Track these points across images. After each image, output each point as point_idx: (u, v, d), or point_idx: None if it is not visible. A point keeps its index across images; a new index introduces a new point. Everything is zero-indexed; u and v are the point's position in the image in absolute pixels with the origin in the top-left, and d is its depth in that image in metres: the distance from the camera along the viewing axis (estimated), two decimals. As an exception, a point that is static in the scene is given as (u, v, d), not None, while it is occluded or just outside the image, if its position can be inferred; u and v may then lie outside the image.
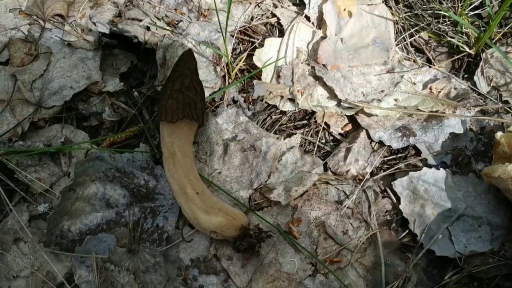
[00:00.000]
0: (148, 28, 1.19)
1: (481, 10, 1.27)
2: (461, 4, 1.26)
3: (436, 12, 1.28)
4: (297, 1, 1.30)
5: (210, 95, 1.17)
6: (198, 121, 1.01)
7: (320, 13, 1.24)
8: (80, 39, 1.21)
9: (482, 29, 1.23)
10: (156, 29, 1.20)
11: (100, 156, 1.06)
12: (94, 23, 1.16)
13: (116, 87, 1.17)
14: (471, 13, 1.27)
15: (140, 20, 1.21)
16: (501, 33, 1.25)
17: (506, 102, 1.18)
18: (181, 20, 1.26)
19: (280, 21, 1.26)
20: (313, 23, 1.26)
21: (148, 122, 1.15)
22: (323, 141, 1.16)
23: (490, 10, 1.14)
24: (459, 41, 1.22)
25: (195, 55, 1.05)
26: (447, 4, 1.28)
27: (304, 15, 1.25)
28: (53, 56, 1.20)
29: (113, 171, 1.06)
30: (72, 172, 1.09)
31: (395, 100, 1.16)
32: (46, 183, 1.09)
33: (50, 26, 1.24)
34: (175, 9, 1.28)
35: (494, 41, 1.24)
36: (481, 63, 1.20)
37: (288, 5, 1.29)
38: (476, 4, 1.28)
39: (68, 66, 1.18)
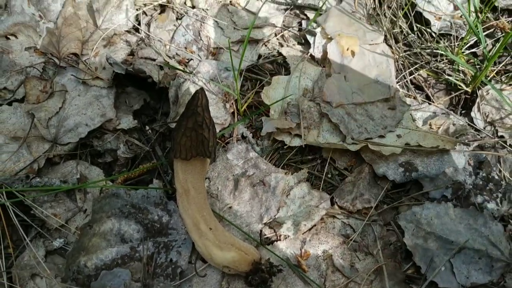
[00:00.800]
0: (161, 68, 1.24)
1: (477, 49, 1.34)
2: (458, 43, 1.33)
3: (434, 50, 1.34)
4: (302, 41, 1.36)
5: (220, 131, 1.22)
6: (210, 158, 1.05)
7: (325, 53, 1.30)
8: (94, 77, 1.26)
9: (478, 66, 1.30)
10: (169, 68, 1.25)
11: (116, 193, 1.09)
12: (110, 64, 1.21)
13: (130, 125, 1.21)
14: (467, 51, 1.34)
15: (153, 60, 1.26)
16: (495, 71, 1.32)
17: (502, 137, 1.23)
18: (191, 59, 1.31)
19: (286, 60, 1.32)
20: (317, 61, 1.32)
21: (161, 158, 1.19)
22: (329, 175, 1.21)
23: (485, 52, 1.20)
24: (456, 79, 1.28)
25: (205, 92, 1.11)
26: (444, 43, 1.35)
27: (309, 54, 1.31)
28: (68, 94, 1.24)
29: (128, 207, 1.09)
30: (89, 209, 1.12)
31: (397, 136, 1.22)
32: (62, 218, 1.12)
33: (64, 64, 1.29)
34: (185, 48, 1.34)
35: (489, 78, 1.31)
36: (478, 100, 1.27)
37: (294, 44, 1.35)
38: (472, 42, 1.35)
39: (83, 103, 1.22)
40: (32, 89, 1.25)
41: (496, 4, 1.40)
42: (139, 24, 1.37)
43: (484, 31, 1.37)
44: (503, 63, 1.33)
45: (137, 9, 1.38)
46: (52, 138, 1.19)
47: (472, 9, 1.27)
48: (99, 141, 1.21)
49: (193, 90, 1.23)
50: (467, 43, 1.33)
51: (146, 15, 1.39)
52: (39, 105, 1.23)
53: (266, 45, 1.36)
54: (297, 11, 1.42)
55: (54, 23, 1.34)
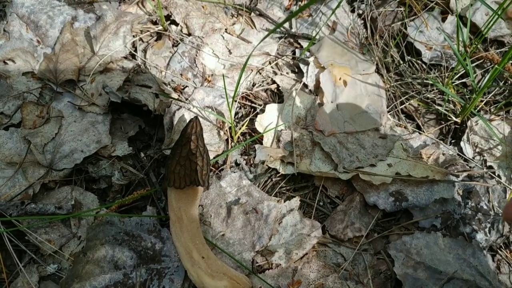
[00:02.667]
0: (157, 96, 1.26)
1: (467, 79, 1.37)
2: (448, 73, 1.36)
3: (424, 81, 1.37)
4: (296, 70, 1.39)
5: (214, 157, 1.23)
6: (204, 186, 1.07)
7: (317, 82, 1.32)
8: (91, 103, 1.27)
9: (468, 97, 1.33)
10: (165, 93, 1.27)
11: (110, 220, 1.11)
12: (107, 93, 1.22)
13: (125, 152, 1.23)
14: (458, 81, 1.37)
15: (149, 87, 1.28)
16: (484, 102, 1.35)
17: (490, 167, 1.26)
18: (186, 86, 1.33)
19: (280, 88, 1.34)
20: (310, 90, 1.34)
21: (155, 185, 1.21)
22: (321, 203, 1.23)
23: (474, 84, 1.23)
24: (446, 110, 1.31)
25: (200, 119, 1.13)
26: (435, 73, 1.38)
27: (302, 82, 1.34)
28: (64, 119, 1.26)
29: (122, 234, 1.10)
30: (83, 235, 1.13)
31: (388, 165, 1.24)
32: (56, 244, 1.13)
33: (61, 90, 1.30)
34: (181, 74, 1.36)
35: (478, 109, 1.33)
36: (467, 130, 1.29)
37: (287, 73, 1.38)
38: (462, 73, 1.38)
39: (79, 130, 1.24)
40: (29, 114, 1.26)
41: (486, 35, 1.44)
42: (135, 50, 1.39)
43: (474, 62, 1.40)
44: (492, 93, 1.36)
45: (134, 36, 1.40)
46: (48, 163, 1.20)
47: (462, 39, 1.31)
48: (94, 167, 1.22)
49: (187, 117, 1.25)
50: (458, 73, 1.36)
51: (143, 41, 1.42)
52: (35, 130, 1.24)
53: (260, 73, 1.38)
54: (291, 40, 1.45)
55: (51, 49, 1.36)
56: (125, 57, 1.37)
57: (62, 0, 1.44)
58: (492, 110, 1.33)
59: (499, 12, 1.22)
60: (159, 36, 1.43)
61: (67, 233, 1.15)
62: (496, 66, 1.11)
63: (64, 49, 1.35)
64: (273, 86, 1.36)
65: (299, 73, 1.37)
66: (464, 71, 1.37)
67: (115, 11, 1.43)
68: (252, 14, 1.48)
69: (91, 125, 1.25)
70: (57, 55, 1.34)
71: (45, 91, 1.31)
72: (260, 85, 1.37)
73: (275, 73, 1.38)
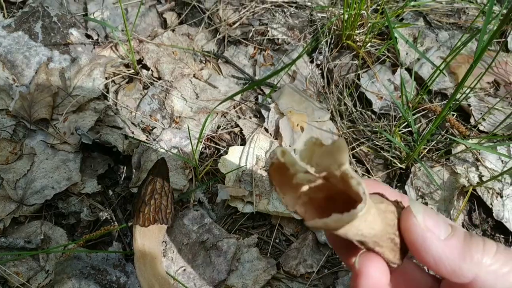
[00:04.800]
0: (126, 137, 1.35)
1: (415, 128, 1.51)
2: (395, 122, 1.50)
3: (374, 129, 1.50)
4: (258, 114, 1.50)
5: (178, 196, 1.32)
6: (168, 224, 1.16)
7: (277, 127, 1.44)
8: (63, 141, 1.35)
9: (413, 144, 1.46)
10: (133, 137, 1.36)
11: (77, 256, 1.17)
12: (79, 135, 1.30)
13: (94, 189, 1.30)
14: (405, 129, 1.51)
15: (119, 128, 1.37)
16: (427, 149, 1.49)
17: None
18: (155, 127, 1.42)
19: (243, 131, 1.45)
20: (270, 134, 1.45)
21: (122, 222, 1.28)
22: (277, 240, 1.33)
23: (416, 135, 1.37)
24: (393, 156, 1.44)
25: (167, 158, 1.22)
26: (383, 122, 1.52)
27: (263, 127, 1.45)
28: (36, 157, 1.32)
29: (88, 268, 1.17)
30: (51, 268, 1.19)
31: (339, 205, 1.35)
32: (24, 277, 1.18)
33: (35, 128, 1.37)
34: (150, 115, 1.45)
35: (421, 156, 1.47)
36: (411, 175, 1.42)
37: (250, 117, 1.49)
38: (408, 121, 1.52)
39: (51, 167, 1.31)
40: (2, 150, 1.32)
41: (430, 87, 1.59)
42: (108, 92, 1.48)
43: (420, 112, 1.55)
44: (435, 141, 1.50)
45: (106, 78, 1.49)
46: (19, 199, 1.26)
47: (405, 93, 1.45)
48: (64, 203, 1.29)
49: (155, 157, 1.34)
50: (404, 122, 1.50)
51: (115, 83, 1.51)
52: (8, 166, 1.30)
53: (225, 116, 1.49)
54: (255, 87, 1.57)
55: (27, 87, 1.43)
56: (98, 98, 1.45)
57: (38, 41, 1.52)
58: (434, 157, 1.47)
59: (441, 67, 1.36)
60: (130, 79, 1.52)
61: (35, 266, 1.21)
62: (438, 113, 1.24)
63: (39, 89, 1.42)
64: (237, 129, 1.47)
65: (261, 118, 1.48)
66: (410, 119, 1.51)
67: (89, 53, 1.52)
68: (219, 61, 1.60)
69: (63, 162, 1.32)
70: (32, 94, 1.41)
71: (18, 128, 1.38)
72: (225, 128, 1.47)
73: (239, 117, 1.48)
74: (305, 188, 0.56)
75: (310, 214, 0.56)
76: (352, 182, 0.49)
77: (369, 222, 0.50)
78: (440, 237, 0.50)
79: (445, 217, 0.56)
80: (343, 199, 0.54)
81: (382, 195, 0.61)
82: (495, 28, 1.72)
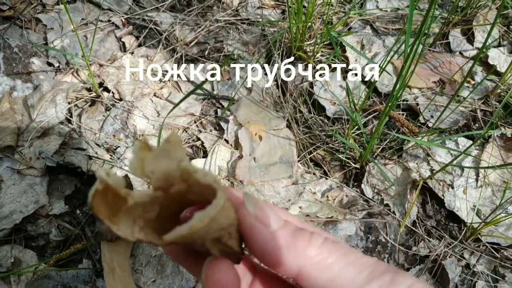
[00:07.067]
0: (90, 158, 1.40)
1: (364, 129, 1.60)
2: (348, 126, 1.58)
3: (328, 133, 1.59)
4: (217, 127, 1.57)
5: (145, 211, 1.37)
6: (134, 238, 1.21)
7: (236, 137, 1.51)
8: (29, 166, 1.39)
9: (366, 144, 1.55)
10: (97, 157, 1.41)
11: (48, 274, 1.21)
12: (43, 158, 1.35)
13: (61, 210, 1.34)
14: (357, 131, 1.60)
15: (83, 149, 1.42)
16: (381, 148, 1.57)
17: (387, 205, 1.47)
18: (119, 146, 1.48)
19: (204, 144, 1.51)
20: (231, 145, 1.52)
21: (90, 239, 1.33)
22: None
23: (365, 135, 1.46)
24: (347, 158, 1.52)
25: (131, 177, 1.28)
26: (337, 125, 1.60)
27: (223, 138, 1.52)
28: (3, 183, 1.36)
29: (59, 287, 1.21)
30: (22, 291, 1.23)
31: (300, 207, 1.42)
32: (-4, 301, 1.22)
33: (1, 155, 1.41)
34: (114, 135, 1.51)
35: (375, 155, 1.56)
36: (366, 174, 1.51)
37: (211, 130, 1.56)
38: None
39: (18, 192, 1.35)
40: (-31, 180, 1.36)
41: (380, 90, 1.69)
42: (71, 116, 1.53)
43: (371, 114, 1.64)
44: (387, 140, 1.59)
45: (69, 102, 1.54)
46: (-12, 225, 1.30)
47: (352, 98, 1.54)
48: (33, 226, 1.33)
49: (119, 175, 1.39)
50: (356, 125, 1.59)
51: (78, 107, 1.56)
52: (-25, 194, 1.34)
53: (186, 131, 1.55)
54: (213, 101, 1.64)
55: (-9, 117, 1.48)
56: (61, 122, 1.50)
57: (0, 72, 1.57)
58: (387, 155, 1.56)
59: (383, 67, 1.45)
60: (93, 102, 1.58)
61: (7, 289, 1.24)
62: (381, 115, 1.33)
63: (3, 118, 1.46)
64: (198, 143, 1.53)
65: (221, 130, 1.55)
66: (362, 122, 1.59)
67: (51, 80, 1.57)
68: (178, 78, 1.66)
69: (30, 187, 1.36)
70: (-4, 123, 1.45)
71: (-15, 157, 1.42)
72: (187, 142, 1.53)
73: (200, 131, 1.55)
74: (137, 210, 0.47)
75: (153, 236, 0.47)
76: (197, 176, 0.43)
77: (226, 209, 0.46)
78: (269, 228, 0.49)
79: (285, 212, 0.56)
80: (172, 214, 0.51)
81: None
82: (437, 31, 1.84)
